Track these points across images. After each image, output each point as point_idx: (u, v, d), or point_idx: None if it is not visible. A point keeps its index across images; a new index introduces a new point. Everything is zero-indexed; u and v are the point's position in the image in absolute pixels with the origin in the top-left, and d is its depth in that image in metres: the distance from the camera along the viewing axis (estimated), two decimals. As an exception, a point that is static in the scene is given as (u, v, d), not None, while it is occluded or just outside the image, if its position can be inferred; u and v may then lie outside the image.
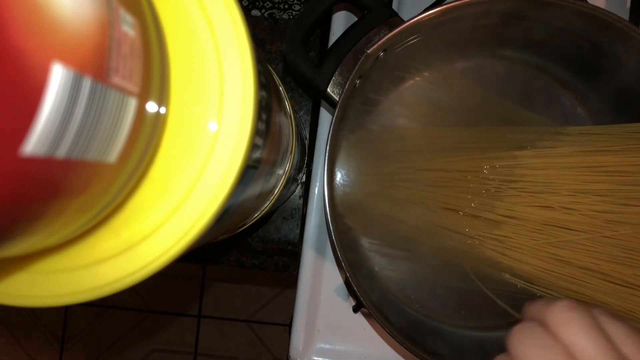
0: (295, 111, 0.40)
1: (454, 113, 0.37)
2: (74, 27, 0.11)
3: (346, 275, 0.31)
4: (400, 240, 0.37)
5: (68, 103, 0.10)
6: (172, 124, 0.16)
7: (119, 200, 0.15)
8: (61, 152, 0.11)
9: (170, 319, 1.18)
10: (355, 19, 0.42)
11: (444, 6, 0.31)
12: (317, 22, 0.32)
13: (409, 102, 0.38)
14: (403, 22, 0.32)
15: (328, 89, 0.32)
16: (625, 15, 0.39)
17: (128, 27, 0.13)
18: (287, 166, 0.29)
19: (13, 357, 1.19)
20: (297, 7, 0.43)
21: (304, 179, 0.42)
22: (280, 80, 0.35)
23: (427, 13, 0.31)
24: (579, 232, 0.33)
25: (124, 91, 0.12)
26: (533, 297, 0.34)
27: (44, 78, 0.10)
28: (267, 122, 0.20)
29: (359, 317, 0.41)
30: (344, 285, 0.41)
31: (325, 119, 0.42)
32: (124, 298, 1.18)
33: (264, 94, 0.19)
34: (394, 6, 0.42)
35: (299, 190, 0.42)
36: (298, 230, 0.42)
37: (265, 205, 0.29)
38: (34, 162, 0.10)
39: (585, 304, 0.20)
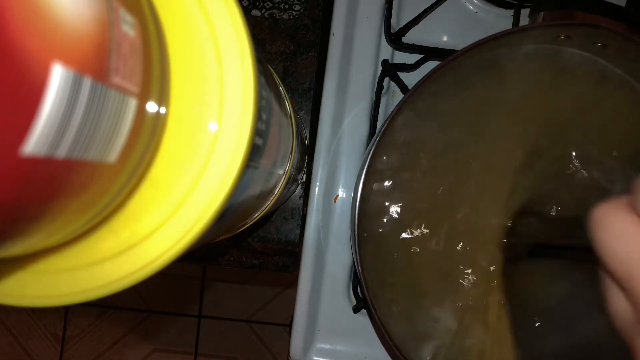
0: (295, 111, 0.40)
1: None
2: (74, 27, 0.11)
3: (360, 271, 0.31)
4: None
5: (68, 103, 0.10)
6: (172, 124, 0.16)
7: (119, 200, 0.15)
8: (61, 152, 0.11)
9: (170, 319, 1.18)
10: (353, 18, 0.42)
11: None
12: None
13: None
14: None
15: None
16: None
17: (128, 27, 0.13)
18: (287, 166, 0.29)
19: (13, 357, 1.19)
20: (297, 7, 0.43)
21: (304, 179, 0.42)
22: (280, 80, 0.35)
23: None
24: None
25: (124, 91, 0.12)
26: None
27: (44, 78, 0.10)
28: (268, 122, 0.20)
29: (359, 317, 0.41)
30: (347, 280, 0.41)
31: (326, 118, 0.42)
32: (124, 298, 1.18)
33: (264, 94, 0.19)
34: (394, 6, 0.42)
35: (299, 190, 0.42)
36: (298, 230, 0.42)
37: (266, 205, 0.29)
38: (34, 162, 0.10)
39: None
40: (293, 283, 0.41)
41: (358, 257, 0.32)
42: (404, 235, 0.35)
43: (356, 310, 0.41)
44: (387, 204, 0.35)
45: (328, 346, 0.41)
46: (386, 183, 0.35)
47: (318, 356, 0.41)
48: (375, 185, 0.35)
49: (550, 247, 0.34)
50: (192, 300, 1.18)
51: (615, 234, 0.14)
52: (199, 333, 1.17)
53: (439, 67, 0.30)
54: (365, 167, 0.32)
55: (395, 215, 0.35)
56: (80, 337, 1.19)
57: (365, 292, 0.32)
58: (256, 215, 0.29)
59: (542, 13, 0.34)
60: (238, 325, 1.17)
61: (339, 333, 0.41)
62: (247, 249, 0.42)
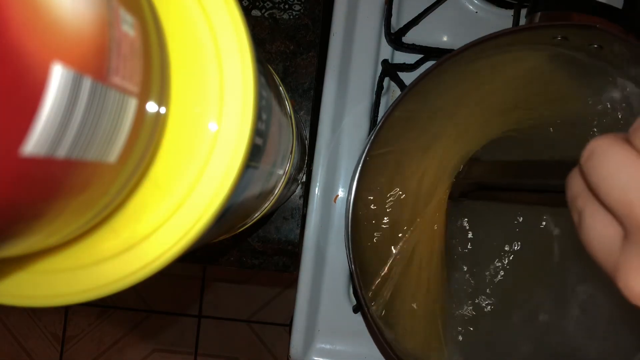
0: (295, 111, 0.40)
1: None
2: (74, 27, 0.11)
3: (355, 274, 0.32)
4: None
5: (68, 103, 0.10)
6: (172, 124, 0.16)
7: (119, 200, 0.15)
8: (61, 152, 0.11)
9: (170, 319, 1.18)
10: (353, 18, 0.42)
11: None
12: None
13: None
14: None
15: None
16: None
17: (128, 27, 0.13)
18: (287, 166, 0.29)
19: (13, 357, 1.19)
20: (297, 7, 0.43)
21: (304, 179, 0.42)
22: (280, 80, 0.35)
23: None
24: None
25: (124, 91, 0.12)
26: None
27: (44, 78, 0.10)
28: (267, 122, 0.20)
29: (359, 317, 0.41)
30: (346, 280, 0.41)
31: (326, 118, 0.42)
32: (124, 298, 1.18)
33: (264, 94, 0.19)
34: (394, 6, 0.42)
35: (299, 190, 0.42)
36: (298, 230, 0.42)
37: (266, 205, 0.29)
38: (34, 162, 0.10)
39: None
40: (293, 283, 0.41)
41: (351, 256, 0.32)
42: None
43: (356, 310, 0.41)
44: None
45: (328, 346, 0.41)
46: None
47: (318, 356, 0.41)
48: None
49: (496, 187, 0.35)
50: (192, 300, 1.18)
51: (615, 163, 0.15)
52: (199, 333, 1.17)
53: (436, 66, 0.30)
54: (360, 165, 0.32)
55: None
56: (80, 337, 1.19)
57: (359, 291, 0.32)
58: (256, 215, 0.29)
59: (539, 14, 0.34)
60: (238, 325, 1.17)
61: (339, 333, 0.41)
62: (247, 249, 0.42)
